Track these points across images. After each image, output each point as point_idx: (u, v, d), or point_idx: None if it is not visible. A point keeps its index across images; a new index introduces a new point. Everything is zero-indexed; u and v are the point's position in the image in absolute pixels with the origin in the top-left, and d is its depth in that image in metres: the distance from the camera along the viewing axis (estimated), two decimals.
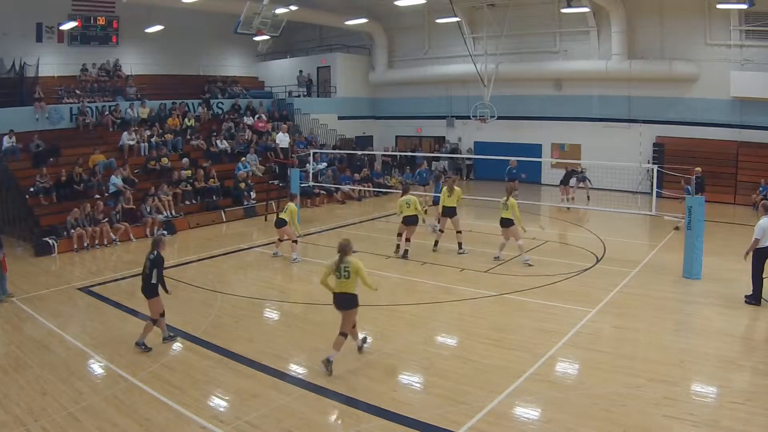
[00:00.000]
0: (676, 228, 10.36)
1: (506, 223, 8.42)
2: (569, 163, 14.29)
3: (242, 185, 13.56)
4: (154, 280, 5.54)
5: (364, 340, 5.60)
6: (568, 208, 13.10)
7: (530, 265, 8.39)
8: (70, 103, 14.17)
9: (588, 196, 13.75)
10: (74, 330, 6.31)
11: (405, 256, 9.06)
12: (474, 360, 5.33)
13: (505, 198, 8.40)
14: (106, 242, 10.39)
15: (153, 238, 5.95)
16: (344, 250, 5.10)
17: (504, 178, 13.36)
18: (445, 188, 9.37)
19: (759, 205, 7.19)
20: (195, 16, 17.45)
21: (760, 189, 13.03)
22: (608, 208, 12.39)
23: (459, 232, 9.27)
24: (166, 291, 5.68)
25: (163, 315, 5.76)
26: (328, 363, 5.00)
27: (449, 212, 9.21)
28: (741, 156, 14.24)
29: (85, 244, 10.13)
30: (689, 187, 10.16)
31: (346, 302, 5.14)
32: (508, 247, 9.02)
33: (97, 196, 11.35)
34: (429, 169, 15.72)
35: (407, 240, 9.07)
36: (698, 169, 11.06)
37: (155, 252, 5.63)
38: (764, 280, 6.66)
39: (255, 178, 14.35)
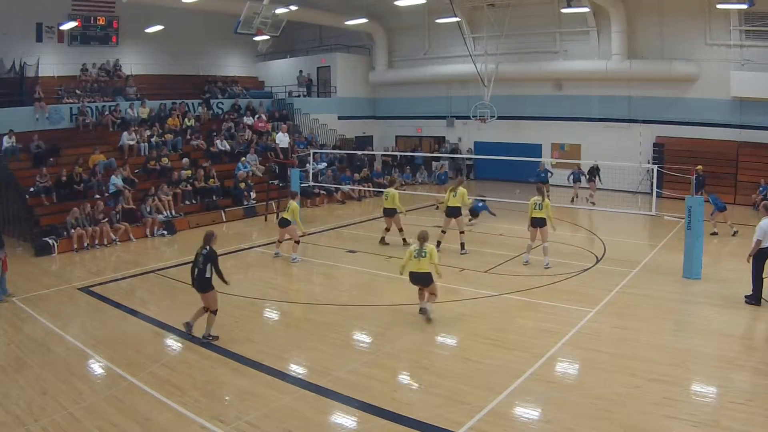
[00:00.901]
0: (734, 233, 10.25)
1: (538, 222, 8.37)
2: (578, 163, 14.37)
3: (242, 185, 13.57)
4: (208, 274, 5.62)
5: (428, 313, 6.30)
6: (593, 203, 13.22)
7: (527, 264, 8.48)
8: (70, 103, 14.16)
9: (589, 195, 13.75)
10: (74, 330, 6.32)
11: (382, 242, 10.10)
12: (474, 360, 5.33)
13: (540, 198, 8.38)
14: (106, 242, 10.39)
15: (204, 233, 5.88)
16: (424, 237, 6.24)
17: (532, 179, 13.67)
18: (450, 189, 9.45)
19: (760, 206, 7.18)
20: (195, 16, 17.45)
21: (760, 189, 13.03)
22: (608, 208, 12.40)
23: (462, 232, 9.32)
24: (226, 282, 5.75)
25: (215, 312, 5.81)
26: (423, 311, 6.33)
27: (453, 212, 9.26)
28: (741, 156, 14.23)
29: (85, 244, 10.13)
30: (715, 197, 10.32)
31: (423, 279, 6.22)
32: (513, 247, 9.03)
33: (97, 196, 11.35)
34: (447, 172, 15.61)
35: (399, 229, 9.76)
36: (699, 167, 11.08)
37: (207, 247, 5.71)
38: (765, 281, 6.66)
39: (255, 178, 14.36)
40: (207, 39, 19.31)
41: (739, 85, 13.89)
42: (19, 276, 8.26)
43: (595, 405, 4.42)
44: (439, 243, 9.45)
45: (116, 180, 11.76)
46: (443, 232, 9.50)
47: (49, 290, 7.85)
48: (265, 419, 4.30)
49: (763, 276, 6.63)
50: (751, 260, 6.64)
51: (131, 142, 13.42)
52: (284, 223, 9.02)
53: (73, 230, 10.05)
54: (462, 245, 9.26)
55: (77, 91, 14.91)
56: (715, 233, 10.39)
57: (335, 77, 20.24)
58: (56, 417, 4.34)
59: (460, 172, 19.08)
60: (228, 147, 15.00)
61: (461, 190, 9.26)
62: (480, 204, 11.72)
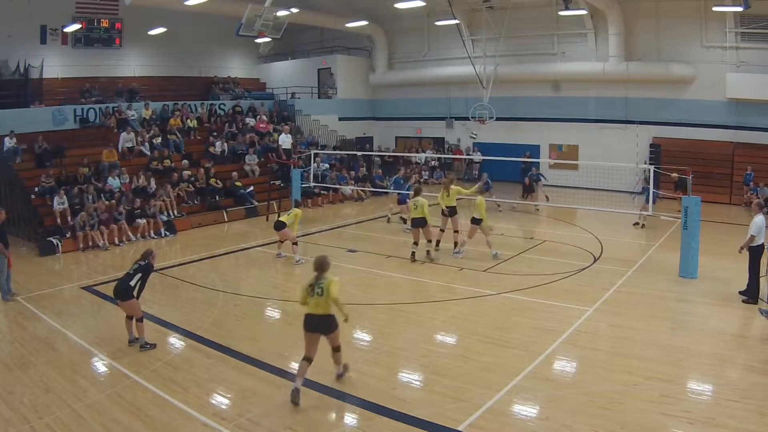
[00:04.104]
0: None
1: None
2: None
3: (238, 183, 13.61)
4: (132, 283, 5.62)
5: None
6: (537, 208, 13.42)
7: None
8: (75, 104, 14.20)
9: (546, 196, 13.75)
10: (78, 328, 6.36)
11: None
12: (473, 358, 5.38)
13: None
14: (109, 242, 10.43)
15: (145, 249, 6.02)
16: (321, 266, 4.70)
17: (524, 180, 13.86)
18: (442, 189, 9.51)
19: (753, 204, 7.33)
20: (197, 19, 17.55)
21: (746, 176, 13.22)
22: (605, 208, 12.47)
23: (456, 231, 9.35)
24: (137, 297, 5.73)
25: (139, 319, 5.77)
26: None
27: (449, 212, 9.31)
28: (736, 156, 14.31)
29: (90, 244, 10.20)
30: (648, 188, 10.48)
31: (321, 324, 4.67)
32: (511, 247, 9.07)
33: (101, 196, 11.40)
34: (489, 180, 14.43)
35: (428, 241, 9.09)
36: (674, 175, 11.33)
37: (145, 261, 5.77)
38: (762, 279, 6.73)
39: (254, 178, 14.43)
40: (209, 41, 19.42)
41: (735, 86, 13.99)
42: (24, 275, 8.32)
43: (593, 402, 4.46)
44: (438, 242, 9.53)
45: (111, 181, 11.83)
46: (441, 231, 9.57)
47: (53, 289, 7.91)
48: (267, 417, 4.34)
49: (762, 275, 6.70)
50: (743, 251, 6.76)
51: (129, 144, 13.48)
52: (279, 226, 9.09)
53: (79, 231, 10.12)
54: (455, 244, 9.25)
55: (81, 92, 14.95)
56: (637, 223, 11.16)
57: (336, 78, 20.33)
58: (60, 414, 4.39)
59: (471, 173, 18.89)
60: (225, 148, 15.05)
61: (454, 188, 9.30)
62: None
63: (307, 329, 4.60)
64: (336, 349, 4.76)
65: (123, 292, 5.62)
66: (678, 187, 11.29)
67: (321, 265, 4.65)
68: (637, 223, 11.50)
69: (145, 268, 5.73)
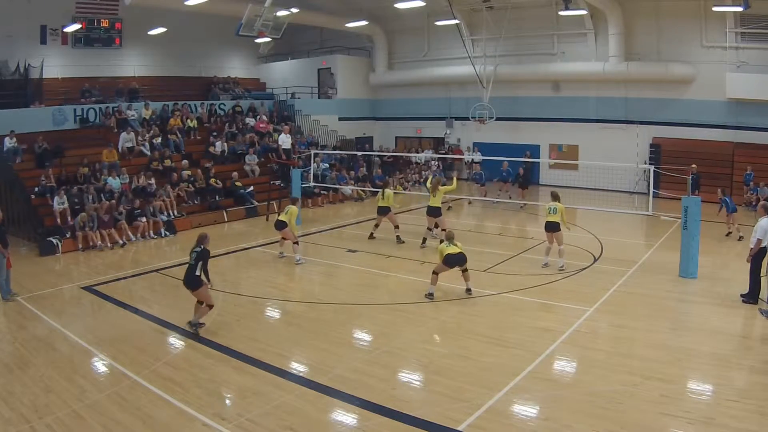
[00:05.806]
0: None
1: (552, 227, 8.27)
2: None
3: (238, 183, 13.62)
4: (197, 272, 5.89)
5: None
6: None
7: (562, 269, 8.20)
8: (75, 104, 14.21)
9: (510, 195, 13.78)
10: (78, 328, 6.37)
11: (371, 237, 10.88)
12: (473, 358, 5.39)
13: (555, 203, 8.27)
14: (108, 242, 10.44)
15: (199, 234, 6.33)
16: (451, 236, 7.15)
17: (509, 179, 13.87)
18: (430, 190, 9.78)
19: (759, 206, 7.25)
20: (197, 19, 17.54)
21: (746, 176, 13.17)
22: (605, 208, 12.48)
23: (444, 230, 9.46)
24: (209, 282, 6.07)
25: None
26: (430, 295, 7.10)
27: (433, 212, 9.53)
28: (736, 156, 14.31)
29: (90, 244, 10.20)
30: (728, 199, 10.12)
31: (460, 259, 7.05)
32: (511, 247, 9.09)
33: (101, 196, 11.40)
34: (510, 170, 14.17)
35: (395, 227, 10.36)
36: (693, 166, 11.15)
37: (201, 246, 6.01)
38: (762, 279, 6.71)
39: (254, 178, 14.44)
40: (209, 41, 19.42)
41: (735, 86, 14.00)
42: (24, 275, 8.31)
43: (593, 402, 4.47)
44: (424, 240, 9.67)
45: (118, 181, 11.84)
46: (429, 229, 9.79)
47: (53, 289, 7.91)
48: (267, 417, 4.35)
49: (762, 275, 6.68)
50: (750, 260, 6.63)
51: (129, 144, 13.48)
52: (280, 226, 9.10)
53: (79, 231, 10.12)
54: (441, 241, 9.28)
55: (81, 92, 14.96)
56: (729, 233, 10.30)
57: (336, 78, 20.34)
58: (60, 414, 4.40)
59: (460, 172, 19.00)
60: (225, 148, 15.05)
61: (441, 189, 9.52)
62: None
63: (449, 265, 7.00)
64: (465, 270, 7.14)
65: (192, 283, 5.90)
66: (694, 184, 10.94)
67: (450, 235, 7.14)
68: (729, 233, 10.53)
69: (202, 254, 5.93)
